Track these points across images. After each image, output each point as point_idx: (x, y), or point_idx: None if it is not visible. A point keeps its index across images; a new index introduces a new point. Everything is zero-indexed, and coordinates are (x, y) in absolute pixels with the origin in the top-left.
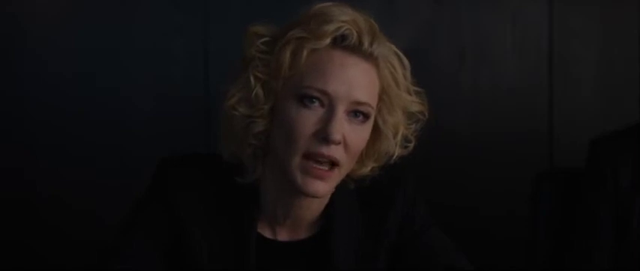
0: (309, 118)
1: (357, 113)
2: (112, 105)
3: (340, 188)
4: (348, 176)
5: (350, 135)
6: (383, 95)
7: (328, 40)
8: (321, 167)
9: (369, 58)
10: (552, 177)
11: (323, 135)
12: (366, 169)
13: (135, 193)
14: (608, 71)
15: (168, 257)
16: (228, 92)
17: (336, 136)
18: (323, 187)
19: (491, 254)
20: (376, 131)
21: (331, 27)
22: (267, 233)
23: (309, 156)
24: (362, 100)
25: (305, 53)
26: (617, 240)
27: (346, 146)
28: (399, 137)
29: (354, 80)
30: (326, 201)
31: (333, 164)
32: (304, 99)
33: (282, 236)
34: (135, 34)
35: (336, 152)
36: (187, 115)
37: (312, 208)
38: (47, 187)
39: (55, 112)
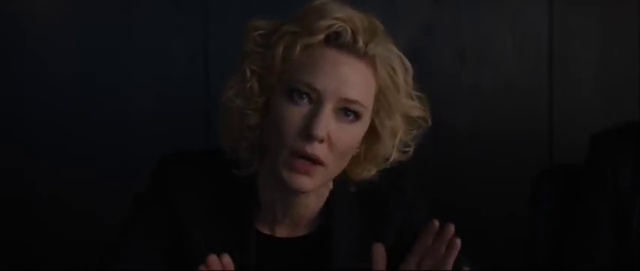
0: (296, 114)
1: (348, 112)
2: (112, 105)
3: (339, 187)
4: (348, 178)
5: (336, 134)
6: (380, 96)
7: (321, 36)
8: (305, 161)
9: (364, 57)
10: (552, 175)
11: (307, 132)
12: (365, 172)
13: (134, 192)
14: (608, 71)
15: (168, 257)
16: (227, 84)
17: (320, 133)
18: (308, 182)
19: (493, 254)
20: (374, 134)
21: (324, 23)
22: (266, 231)
23: (294, 154)
24: (352, 98)
25: (298, 48)
26: (617, 240)
27: (332, 144)
28: (398, 141)
29: (345, 78)
30: (324, 199)
31: (317, 162)
32: (294, 94)
33: (281, 233)
34: (135, 34)
35: (319, 150)
36: (187, 115)
37: (310, 206)
38: (47, 187)
39: (55, 112)
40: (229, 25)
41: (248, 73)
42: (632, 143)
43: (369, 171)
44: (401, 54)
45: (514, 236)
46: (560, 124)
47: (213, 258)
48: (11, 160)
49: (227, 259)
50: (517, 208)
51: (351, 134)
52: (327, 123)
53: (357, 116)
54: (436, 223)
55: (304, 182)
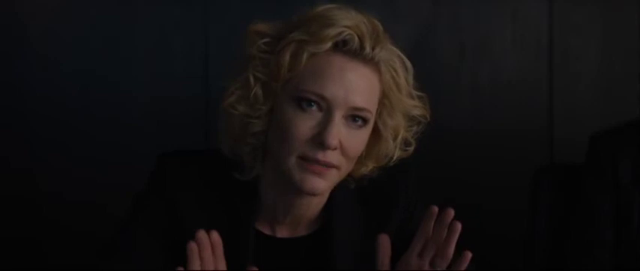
0: (306, 122)
1: (356, 118)
2: (112, 101)
3: (340, 186)
4: (348, 175)
5: (347, 141)
6: (384, 99)
7: (329, 45)
8: (319, 164)
9: (370, 62)
10: (552, 172)
11: (319, 141)
12: (366, 169)
13: (134, 190)
14: (608, 67)
15: (168, 256)
16: (228, 90)
17: (333, 142)
18: (321, 184)
19: (491, 250)
20: (376, 133)
21: (333, 31)
22: (266, 231)
23: (305, 158)
24: (360, 106)
25: (305, 56)
26: (617, 235)
27: (343, 150)
28: (399, 140)
29: (353, 85)
30: (325, 199)
31: (330, 166)
32: (302, 103)
33: (282, 233)
34: (135, 31)
35: (332, 157)
36: (186, 112)
37: (312, 207)
38: (47, 183)
39: (55, 108)
40: (229, 22)
41: (252, 80)
42: (631, 138)
43: (368, 167)
44: (402, 54)
45: (513, 232)
46: (560, 120)
47: (201, 233)
48: (11, 156)
49: (215, 235)
50: (517, 203)
51: (359, 139)
52: (339, 131)
53: (365, 121)
54: (435, 208)
55: (317, 184)
